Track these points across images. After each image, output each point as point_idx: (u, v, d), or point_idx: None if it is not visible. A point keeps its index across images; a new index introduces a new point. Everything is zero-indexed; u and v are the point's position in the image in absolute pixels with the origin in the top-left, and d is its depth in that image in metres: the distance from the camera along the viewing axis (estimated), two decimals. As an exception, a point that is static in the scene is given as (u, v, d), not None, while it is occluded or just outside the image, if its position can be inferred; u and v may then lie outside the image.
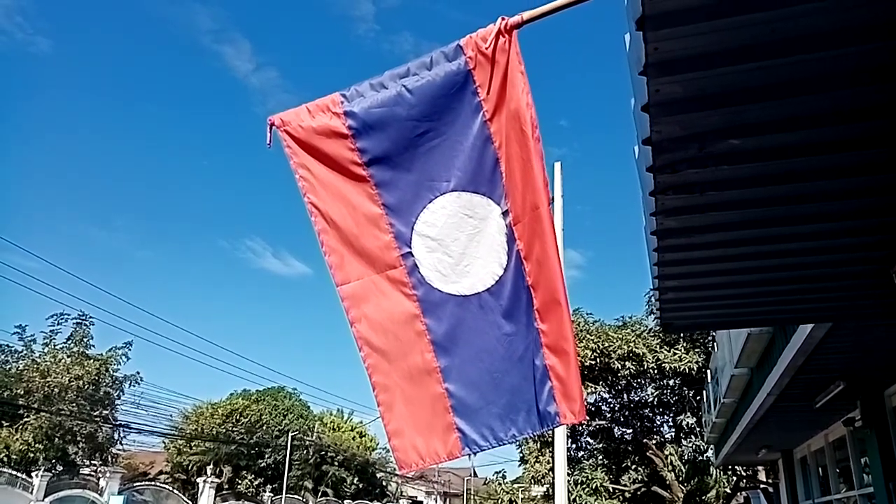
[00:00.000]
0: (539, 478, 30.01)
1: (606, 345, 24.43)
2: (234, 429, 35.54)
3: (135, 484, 28.21)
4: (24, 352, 26.91)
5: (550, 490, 28.32)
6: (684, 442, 26.22)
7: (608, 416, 27.76)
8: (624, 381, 26.31)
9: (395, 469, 48.17)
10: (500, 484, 39.10)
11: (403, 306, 3.07)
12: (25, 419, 25.12)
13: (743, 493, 24.15)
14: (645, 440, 26.93)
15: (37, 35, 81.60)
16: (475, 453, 3.15)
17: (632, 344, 24.04)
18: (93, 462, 28.04)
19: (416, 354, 3.07)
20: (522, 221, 2.91)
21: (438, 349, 3.05)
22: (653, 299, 21.68)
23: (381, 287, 3.08)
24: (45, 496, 22.39)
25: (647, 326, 25.47)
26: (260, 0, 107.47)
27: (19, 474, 22.52)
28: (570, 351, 2.83)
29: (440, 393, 3.04)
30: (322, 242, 3.09)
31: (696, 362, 23.45)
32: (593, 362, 24.49)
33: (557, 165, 6.61)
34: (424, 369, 3.06)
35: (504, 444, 3.06)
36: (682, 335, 23.46)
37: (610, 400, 28.09)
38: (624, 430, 28.67)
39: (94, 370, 27.06)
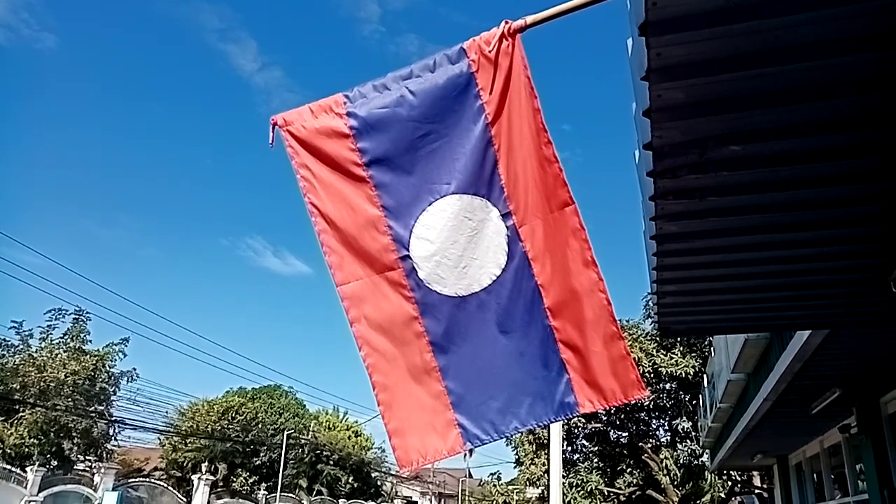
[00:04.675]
0: (534, 480, 30.05)
1: (603, 348, 24.36)
2: (230, 426, 35.48)
3: (129, 480, 28.13)
4: (21, 346, 26.88)
5: (546, 492, 28.34)
6: (680, 446, 26.25)
7: (604, 419, 27.74)
8: (620, 385, 26.28)
9: (390, 469, 48.18)
10: (495, 485, 39.15)
11: (402, 307, 3.09)
12: (21, 414, 25.09)
13: (738, 497, 24.19)
14: (640, 444, 26.96)
15: (43, 31, 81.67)
16: (476, 447, 3.21)
17: (628, 348, 24.00)
18: (87, 458, 28.01)
19: (415, 354, 3.10)
20: (530, 224, 2.95)
21: (437, 349, 3.08)
22: (651, 303, 21.70)
23: (380, 288, 3.10)
24: (40, 491, 22.34)
25: (644, 330, 25.50)
26: (266, 0, 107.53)
27: (13, 469, 22.47)
28: (589, 345, 2.95)
29: (440, 390, 3.08)
30: (322, 243, 3.10)
31: (693, 367, 23.48)
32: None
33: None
34: (423, 368, 3.09)
35: (506, 437, 3.16)
36: (678, 340, 23.48)
37: (605, 403, 28.04)
38: (620, 433, 28.68)
39: (91, 366, 27.02)
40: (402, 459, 3.10)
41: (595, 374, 2.95)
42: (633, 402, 27.27)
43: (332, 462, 39.70)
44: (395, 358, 3.11)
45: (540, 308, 3.00)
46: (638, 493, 27.26)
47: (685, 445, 26.02)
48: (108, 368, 28.28)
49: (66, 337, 27.58)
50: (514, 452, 32.10)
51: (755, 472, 21.72)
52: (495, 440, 3.07)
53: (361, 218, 3.06)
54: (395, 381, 3.11)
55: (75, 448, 27.33)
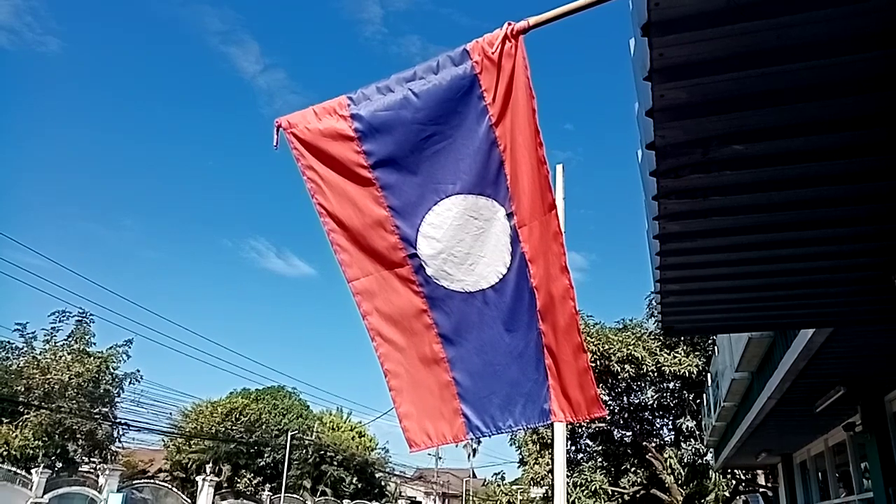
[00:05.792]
0: (538, 479, 30.03)
1: (606, 347, 24.44)
2: (234, 427, 35.54)
3: (134, 482, 28.20)
4: (25, 349, 26.91)
5: (549, 492, 28.31)
6: (684, 445, 26.20)
7: (608, 418, 27.70)
8: (624, 384, 26.32)
9: (393, 469, 48.23)
10: (498, 485, 39.11)
11: (412, 301, 3.19)
12: (25, 416, 25.14)
13: (742, 496, 24.15)
14: (644, 443, 26.92)
15: (46, 35, 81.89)
16: (478, 438, 3.32)
17: (632, 347, 24.04)
18: (92, 459, 28.05)
19: (425, 345, 3.21)
20: (529, 225, 2.99)
21: (445, 341, 3.19)
22: (654, 302, 21.69)
23: (390, 283, 3.20)
24: (45, 493, 22.40)
25: (647, 329, 25.47)
26: (269, 2, 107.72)
27: (19, 471, 22.53)
28: (561, 354, 2.97)
29: (448, 380, 3.20)
30: (332, 241, 3.19)
31: (696, 366, 23.46)
32: (593, 365, 24.41)
33: (559, 168, 6.62)
34: (433, 359, 3.21)
35: (502, 433, 3.24)
36: (682, 339, 23.46)
37: (610, 402, 28.01)
38: (623, 432, 28.64)
39: (95, 368, 27.06)
40: (412, 440, 3.24)
41: (566, 383, 2.99)
42: (637, 401, 27.33)
43: (335, 463, 39.72)
44: (406, 348, 3.23)
45: (535, 310, 3.04)
46: (642, 492, 27.22)
47: (689, 444, 25.97)
48: (111, 370, 28.31)
49: (69, 339, 27.62)
50: (518, 452, 32.12)
51: (759, 471, 21.67)
52: (493, 434, 3.17)
53: (369, 218, 3.11)
54: (406, 370, 3.24)
55: (80, 450, 27.36)
